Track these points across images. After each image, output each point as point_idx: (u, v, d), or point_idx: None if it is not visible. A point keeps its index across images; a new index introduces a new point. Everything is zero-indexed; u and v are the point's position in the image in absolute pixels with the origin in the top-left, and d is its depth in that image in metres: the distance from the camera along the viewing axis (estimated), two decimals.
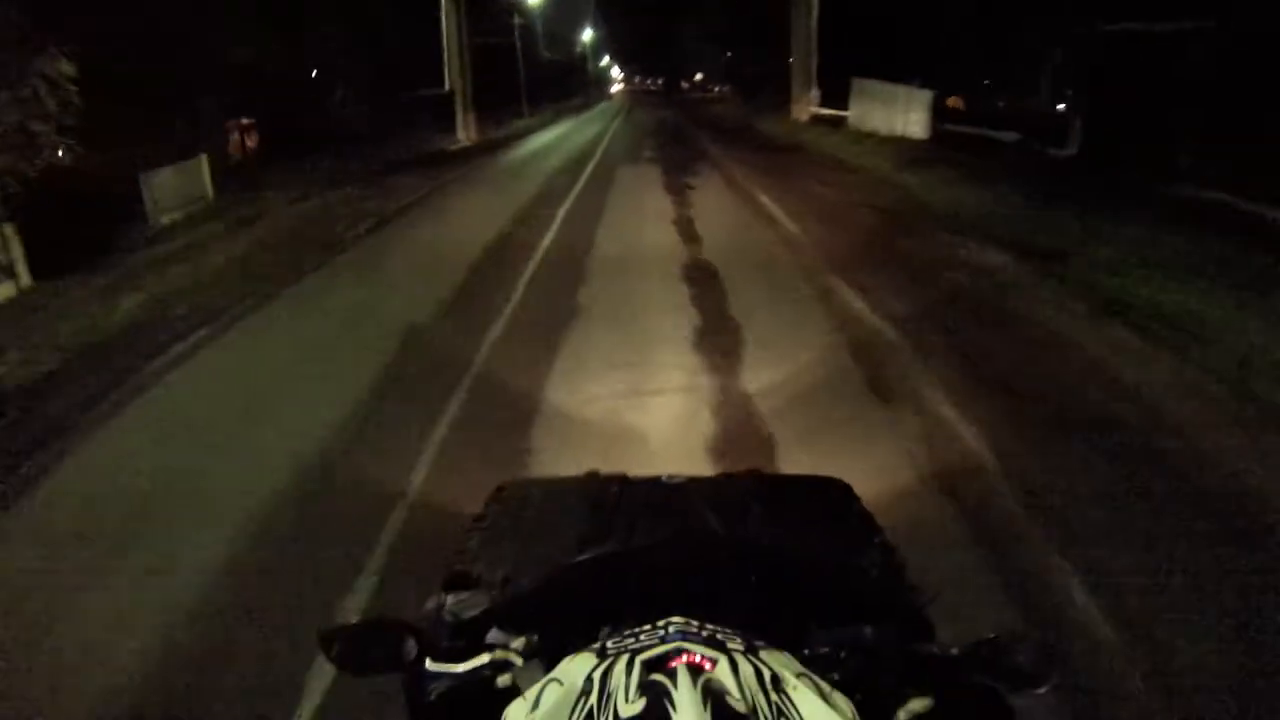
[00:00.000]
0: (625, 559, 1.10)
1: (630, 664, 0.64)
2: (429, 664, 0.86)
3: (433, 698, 0.86)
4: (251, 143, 14.37)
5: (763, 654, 0.68)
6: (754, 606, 0.91)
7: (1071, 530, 2.69)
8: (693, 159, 14.89)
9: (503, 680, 0.83)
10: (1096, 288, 5.31)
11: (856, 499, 1.37)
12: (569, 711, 0.62)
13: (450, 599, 0.99)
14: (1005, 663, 0.83)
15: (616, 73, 71.96)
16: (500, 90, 24.47)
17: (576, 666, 0.67)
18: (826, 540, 1.23)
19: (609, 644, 0.72)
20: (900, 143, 15.14)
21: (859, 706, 0.67)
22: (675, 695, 0.59)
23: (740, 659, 0.65)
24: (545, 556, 1.15)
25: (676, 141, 18.67)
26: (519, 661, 0.84)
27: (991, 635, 0.84)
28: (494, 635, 0.90)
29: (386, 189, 11.45)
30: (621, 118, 26.55)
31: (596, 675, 0.64)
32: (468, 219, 9.21)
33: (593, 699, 0.62)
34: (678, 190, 10.68)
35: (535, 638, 0.87)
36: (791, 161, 13.60)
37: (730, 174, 12.19)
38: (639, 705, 0.59)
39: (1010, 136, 13.87)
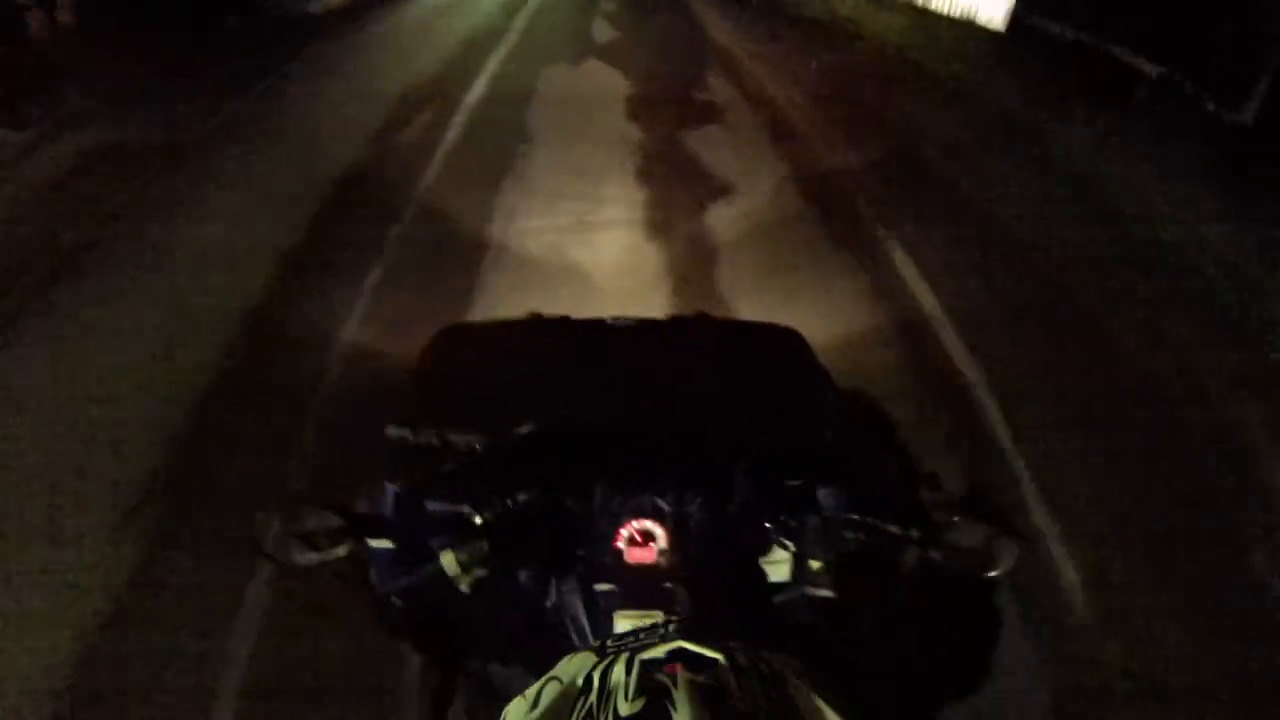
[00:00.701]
0: (569, 426, 0.98)
1: (630, 663, 0.63)
2: (370, 542, 0.86)
3: (377, 575, 0.87)
4: (66, 18, 8.70)
5: (763, 653, 0.66)
6: (703, 477, 0.88)
7: None
8: (687, 56, 8.47)
9: (446, 559, 0.81)
10: None
11: (809, 350, 1.29)
12: (568, 710, 0.61)
13: (388, 468, 0.95)
14: (961, 544, 0.82)
15: None
16: None
17: (576, 665, 0.67)
18: (778, 396, 1.15)
19: (609, 642, 0.70)
20: (985, 39, 10.77)
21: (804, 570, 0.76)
22: (675, 694, 0.58)
23: (740, 658, 0.64)
24: (486, 414, 1.07)
25: (652, 8, 11.56)
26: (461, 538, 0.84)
27: (951, 518, 0.83)
28: (434, 505, 0.89)
29: (148, 131, 5.67)
30: None
31: (596, 674, 0.63)
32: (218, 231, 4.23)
33: (592, 698, 0.61)
34: (670, 176, 4.98)
35: (477, 512, 0.85)
36: (859, 72, 8.63)
37: (774, 110, 6.79)
38: (638, 704, 0.58)
39: (1150, 69, 9.47)
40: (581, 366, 1.22)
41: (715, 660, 0.64)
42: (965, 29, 11.19)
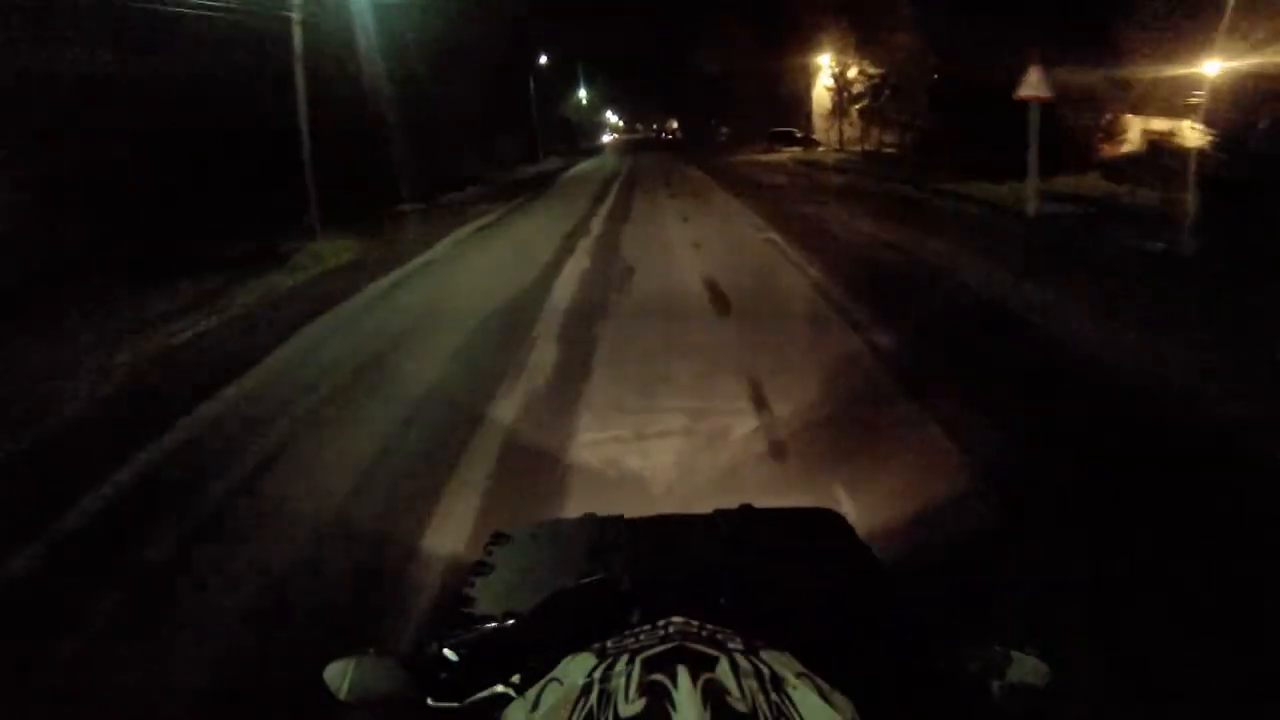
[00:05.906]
0: (623, 590, 1.03)
1: (630, 663, 0.62)
2: (429, 700, 0.87)
3: None
4: None
5: (763, 654, 0.66)
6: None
7: None
8: None
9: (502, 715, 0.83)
10: None
11: (850, 529, 1.36)
12: (569, 711, 0.60)
13: (450, 636, 0.99)
14: (1014, 679, 0.86)
15: (611, 116, 58.71)
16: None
17: (576, 666, 0.66)
18: (819, 575, 1.21)
19: (609, 643, 0.70)
20: None
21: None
22: (675, 695, 0.57)
23: (740, 659, 0.63)
24: (540, 598, 1.11)
25: None
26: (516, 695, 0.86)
27: (995, 646, 0.88)
28: (492, 672, 0.88)
29: None
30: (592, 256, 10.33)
31: (596, 675, 0.63)
32: None
33: (592, 699, 0.60)
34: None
35: (534, 673, 0.83)
36: None
37: None
38: (639, 705, 0.57)
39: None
40: (636, 555, 1.28)
41: (715, 660, 0.63)
42: None
